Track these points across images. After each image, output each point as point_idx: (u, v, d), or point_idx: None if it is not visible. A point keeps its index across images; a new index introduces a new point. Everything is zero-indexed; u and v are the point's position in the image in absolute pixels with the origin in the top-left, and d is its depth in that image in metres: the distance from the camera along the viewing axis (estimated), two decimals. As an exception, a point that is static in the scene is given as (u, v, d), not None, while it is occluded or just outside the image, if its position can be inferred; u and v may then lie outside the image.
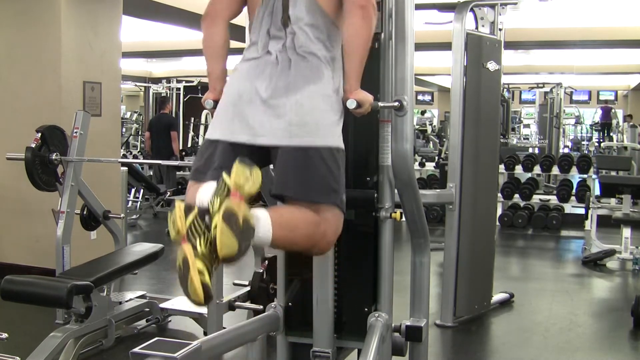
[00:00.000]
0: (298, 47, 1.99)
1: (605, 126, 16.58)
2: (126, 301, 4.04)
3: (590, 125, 17.21)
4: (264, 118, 1.95)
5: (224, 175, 1.73)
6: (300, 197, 1.95)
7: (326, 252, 2.17)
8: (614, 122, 16.46)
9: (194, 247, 1.68)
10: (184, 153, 10.86)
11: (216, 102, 2.13)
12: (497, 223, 7.51)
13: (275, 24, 2.04)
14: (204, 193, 1.87)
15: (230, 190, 1.70)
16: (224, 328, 3.13)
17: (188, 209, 1.72)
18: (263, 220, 1.80)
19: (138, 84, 14.46)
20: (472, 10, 4.47)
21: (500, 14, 4.70)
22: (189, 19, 6.99)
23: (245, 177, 1.71)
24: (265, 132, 1.95)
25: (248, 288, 3.67)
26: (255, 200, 1.80)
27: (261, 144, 1.96)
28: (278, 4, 2.04)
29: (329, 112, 1.99)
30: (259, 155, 1.98)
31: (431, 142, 13.69)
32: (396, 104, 2.30)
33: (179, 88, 13.20)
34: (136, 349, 1.84)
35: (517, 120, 17.11)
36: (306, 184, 1.94)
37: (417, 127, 13.08)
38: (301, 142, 1.93)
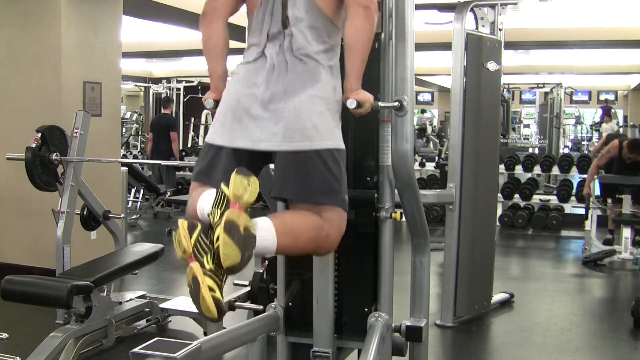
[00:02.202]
0: (295, 49, 1.99)
1: (605, 125, 16.55)
2: (126, 301, 4.04)
3: (591, 126, 17.19)
4: (263, 123, 1.95)
5: (223, 186, 1.74)
6: (302, 199, 1.96)
7: (331, 252, 2.17)
8: (614, 121, 16.45)
9: (202, 265, 1.70)
10: (184, 153, 10.87)
11: (217, 102, 2.13)
12: (497, 223, 7.51)
13: (274, 24, 2.03)
14: (205, 202, 1.88)
15: (229, 201, 1.71)
16: (224, 328, 3.13)
17: (192, 227, 1.74)
18: (267, 230, 1.81)
19: (138, 84, 14.45)
20: (472, 10, 4.47)
21: (500, 14, 4.71)
22: (189, 19, 6.99)
23: (243, 187, 1.72)
24: (264, 138, 1.95)
25: (248, 288, 3.67)
26: (255, 201, 1.81)
27: (261, 150, 1.96)
28: (277, 4, 2.03)
29: (328, 114, 1.98)
30: (259, 157, 1.99)
31: (431, 142, 13.69)
32: (396, 104, 2.30)
33: (179, 88, 13.21)
34: (136, 349, 1.84)
35: (517, 120, 17.09)
36: (307, 186, 1.94)
37: (417, 127, 13.07)
38: (300, 146, 1.93)
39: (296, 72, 1.97)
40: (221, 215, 1.70)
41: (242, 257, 1.68)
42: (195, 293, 1.72)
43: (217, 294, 1.71)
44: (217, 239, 1.68)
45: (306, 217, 1.93)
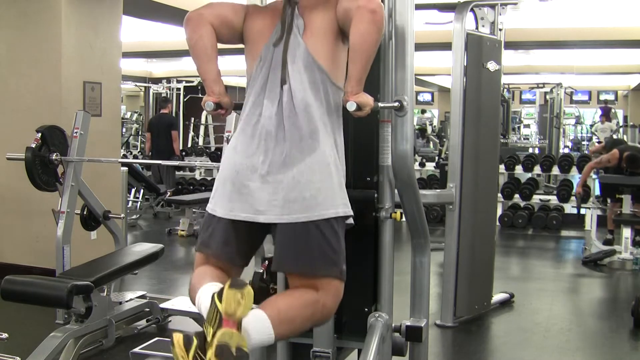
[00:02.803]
0: (296, 105, 1.97)
1: (604, 126, 16.51)
2: (126, 301, 4.04)
3: (591, 126, 17.19)
4: (262, 195, 1.95)
5: (216, 300, 1.70)
6: (300, 272, 1.97)
7: (327, 321, 2.17)
8: (614, 122, 16.45)
9: None
10: (184, 153, 10.87)
11: (216, 104, 2.12)
12: (497, 223, 7.52)
13: (273, 81, 2.02)
14: (204, 298, 1.86)
15: (222, 318, 1.68)
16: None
17: (187, 343, 1.69)
18: (262, 323, 1.81)
19: (138, 84, 14.46)
20: (472, 10, 4.47)
21: (500, 14, 4.71)
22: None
23: (236, 302, 1.68)
24: (263, 210, 1.95)
25: (248, 288, 3.67)
26: None
27: (260, 222, 1.96)
28: (276, 60, 2.02)
29: (328, 180, 1.97)
30: (259, 228, 1.99)
31: (431, 142, 13.68)
32: (396, 104, 2.30)
33: (179, 88, 13.20)
34: (136, 349, 1.85)
35: (517, 120, 17.10)
36: (305, 259, 1.95)
37: (417, 127, 13.07)
38: (299, 218, 1.93)
39: (293, 140, 1.96)
40: (213, 335, 1.67)
41: None
42: None
43: None
44: None
45: (301, 295, 1.94)
